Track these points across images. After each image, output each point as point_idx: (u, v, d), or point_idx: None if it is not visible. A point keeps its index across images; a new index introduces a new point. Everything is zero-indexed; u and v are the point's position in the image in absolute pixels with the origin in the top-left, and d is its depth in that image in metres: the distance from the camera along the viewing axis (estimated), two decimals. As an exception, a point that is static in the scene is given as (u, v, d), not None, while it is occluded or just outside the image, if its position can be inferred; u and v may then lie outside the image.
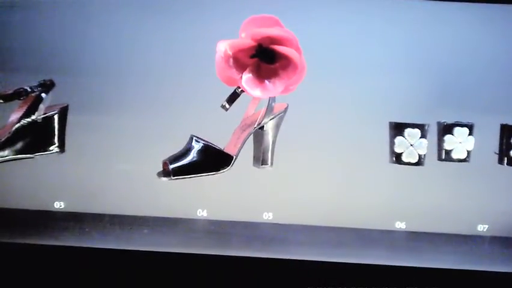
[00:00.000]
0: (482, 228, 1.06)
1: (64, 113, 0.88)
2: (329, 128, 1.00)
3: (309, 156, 1.01)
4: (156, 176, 0.80)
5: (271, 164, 0.86)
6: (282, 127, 0.87)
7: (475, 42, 0.99)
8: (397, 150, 0.87)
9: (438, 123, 0.91)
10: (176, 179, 0.77)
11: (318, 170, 1.02)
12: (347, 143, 1.00)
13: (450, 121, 0.91)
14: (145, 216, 1.03)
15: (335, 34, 0.99)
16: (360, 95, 0.99)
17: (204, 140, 0.79)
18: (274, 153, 0.87)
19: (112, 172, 1.03)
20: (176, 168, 0.77)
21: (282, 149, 0.88)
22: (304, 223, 1.04)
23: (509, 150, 0.90)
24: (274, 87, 0.77)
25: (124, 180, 1.02)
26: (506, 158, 0.91)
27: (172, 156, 0.79)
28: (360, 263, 0.89)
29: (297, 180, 1.02)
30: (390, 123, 0.88)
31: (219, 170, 0.78)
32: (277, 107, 0.85)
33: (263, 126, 0.83)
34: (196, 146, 0.78)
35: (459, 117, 0.92)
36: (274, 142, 0.86)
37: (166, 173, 0.78)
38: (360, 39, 0.99)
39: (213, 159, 0.79)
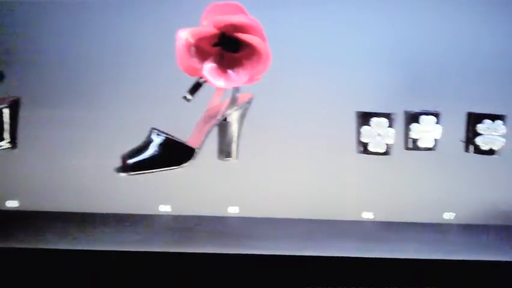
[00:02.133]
0: (449, 216, 1.05)
1: (15, 106, 0.83)
2: (296, 119, 0.98)
3: (275, 148, 0.99)
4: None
5: (237, 156, 0.83)
6: (247, 118, 0.84)
7: (441, 30, 0.98)
8: (364, 140, 0.86)
9: (406, 112, 0.90)
10: (136, 174, 0.72)
11: (284, 162, 1.00)
12: (313, 134, 0.98)
13: (417, 110, 0.89)
14: (105, 214, 0.99)
15: (301, 23, 0.96)
16: (328, 85, 0.97)
17: (164, 133, 0.75)
18: (240, 146, 0.84)
19: (69, 168, 0.98)
20: (135, 163, 0.73)
21: (247, 141, 0.85)
22: (272, 216, 1.02)
23: (475, 138, 0.89)
24: (238, 77, 0.74)
25: (81, 177, 0.98)
26: (472, 146, 0.90)
27: (131, 150, 0.74)
28: (330, 255, 0.87)
29: (264, 173, 1.00)
30: (357, 112, 0.86)
31: (181, 164, 0.74)
32: (242, 97, 0.82)
33: (227, 118, 0.80)
34: (157, 140, 0.74)
35: (426, 106, 0.91)
36: (239, 134, 0.83)
37: (124, 168, 0.73)
38: (327, 28, 0.97)
39: (175, 153, 0.74)
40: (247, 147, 0.86)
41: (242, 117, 0.83)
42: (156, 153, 0.74)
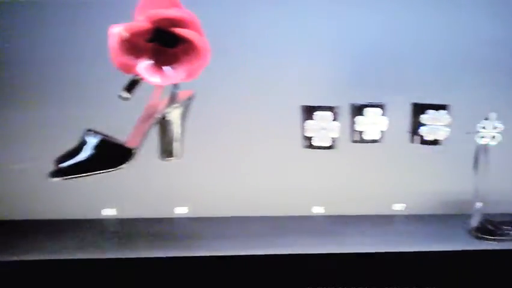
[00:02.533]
0: (399, 207, 1.06)
1: None
2: (240, 115, 0.96)
3: (220, 145, 0.96)
4: (51, 176, 0.71)
5: (179, 155, 0.80)
6: (190, 116, 0.81)
7: (384, 22, 0.98)
8: (309, 134, 0.84)
9: (351, 105, 0.89)
10: (70, 178, 0.69)
11: (231, 159, 0.98)
12: (259, 130, 0.96)
13: (362, 102, 0.88)
14: (43, 220, 0.94)
15: (242, 16, 0.94)
16: (272, 79, 0.95)
17: (100, 134, 0.71)
18: (184, 144, 0.81)
19: (2, 173, 0.92)
20: (69, 166, 0.69)
21: (191, 139, 0.82)
22: (220, 215, 1.00)
23: (420, 128, 0.89)
24: (175, 73, 0.71)
25: (15, 182, 0.93)
26: (417, 137, 0.90)
27: (64, 153, 0.70)
28: (281, 253, 0.85)
29: (210, 171, 0.98)
30: (302, 106, 0.85)
31: (119, 166, 0.71)
32: (182, 94, 0.79)
33: (166, 116, 0.77)
34: (92, 141, 0.71)
35: (372, 98, 0.90)
36: (181, 132, 0.80)
37: (57, 172, 0.69)
38: (270, 21, 0.95)
39: (112, 154, 0.71)
40: (191, 146, 0.84)
41: (183, 115, 0.80)
42: (92, 155, 0.71)
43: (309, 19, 0.95)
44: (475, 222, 0.97)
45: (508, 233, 0.95)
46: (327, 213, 1.03)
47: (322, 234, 0.95)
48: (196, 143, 0.84)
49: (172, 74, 0.71)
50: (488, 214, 1.00)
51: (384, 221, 1.03)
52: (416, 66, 0.99)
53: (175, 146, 0.80)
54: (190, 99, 0.81)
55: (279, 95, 0.95)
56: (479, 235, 0.95)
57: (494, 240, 0.94)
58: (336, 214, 1.04)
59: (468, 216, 0.97)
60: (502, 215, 1.04)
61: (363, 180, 1.03)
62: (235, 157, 0.97)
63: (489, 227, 0.97)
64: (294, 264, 0.86)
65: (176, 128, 0.80)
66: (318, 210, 1.03)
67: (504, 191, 1.07)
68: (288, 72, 0.95)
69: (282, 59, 0.95)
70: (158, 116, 0.76)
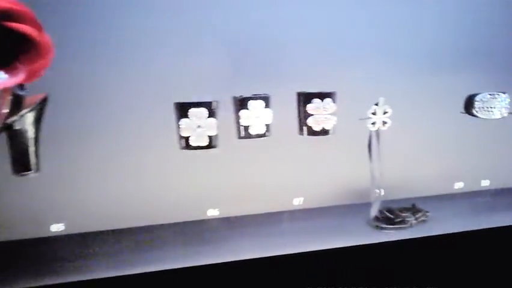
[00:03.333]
0: (298, 201, 1.01)
1: None
2: (107, 116, 0.86)
3: (86, 153, 0.87)
4: None
5: (36, 169, 0.70)
6: (45, 122, 0.71)
7: (267, 7, 0.92)
8: (184, 133, 0.76)
9: (234, 98, 0.82)
10: None
11: (102, 166, 0.88)
12: (132, 131, 0.88)
13: (245, 95, 0.82)
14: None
15: (107, 7, 0.84)
16: (141, 75, 0.87)
17: None
18: (42, 155, 0.71)
19: None
20: None
21: (50, 148, 0.72)
22: (104, 228, 0.90)
23: (307, 119, 0.83)
24: (13, 75, 0.61)
25: None
26: (305, 128, 0.84)
27: None
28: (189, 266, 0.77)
29: (77, 183, 0.88)
30: (175, 104, 0.77)
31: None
32: (31, 98, 0.68)
33: (12, 125, 0.67)
34: None
35: (258, 90, 0.84)
36: (36, 143, 0.70)
37: None
38: (141, 16, 0.86)
39: None
40: (53, 157, 0.74)
41: (36, 121, 0.70)
42: None
43: (183, 6, 0.87)
44: (374, 211, 0.94)
45: (408, 220, 0.92)
46: (223, 215, 0.96)
47: (217, 238, 0.88)
48: (57, 152, 0.75)
49: (9, 75, 0.61)
50: (389, 201, 0.98)
51: (280, 219, 0.97)
52: (303, 54, 0.93)
53: (31, 158, 0.70)
54: (42, 102, 0.70)
55: (151, 93, 0.86)
56: (378, 225, 0.91)
57: (393, 229, 0.90)
58: (232, 215, 0.97)
59: (368, 205, 0.93)
60: (403, 200, 1.02)
61: (256, 177, 0.97)
62: (107, 163, 0.88)
63: (388, 215, 0.94)
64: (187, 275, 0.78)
65: (29, 138, 0.69)
66: (212, 212, 0.96)
67: (402, 176, 1.04)
68: (159, 66, 0.87)
69: (151, 52, 0.86)
70: (1, 126, 0.65)
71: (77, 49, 0.81)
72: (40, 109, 0.71)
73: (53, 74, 0.64)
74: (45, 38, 0.62)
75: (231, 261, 0.78)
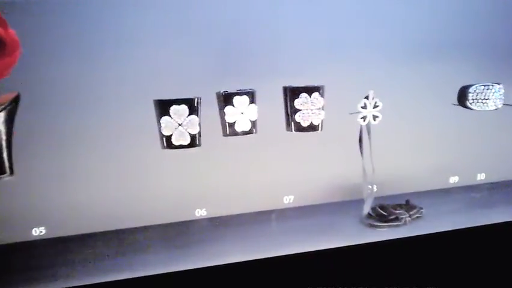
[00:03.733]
0: (287, 200, 0.97)
1: None
2: (87, 116, 0.83)
3: (71, 154, 0.83)
4: None
5: (10, 172, 0.67)
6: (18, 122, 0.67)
7: (250, 4, 0.88)
8: (165, 132, 0.73)
9: (218, 94, 0.78)
10: None
11: (83, 168, 0.85)
12: (113, 131, 0.84)
13: (229, 90, 0.78)
14: None
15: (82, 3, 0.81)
16: (120, 72, 0.83)
17: None
18: (16, 157, 0.67)
19: None
20: None
21: (30, 151, 0.69)
22: (87, 231, 0.87)
23: (295, 114, 0.80)
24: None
25: None
26: (293, 124, 0.81)
27: None
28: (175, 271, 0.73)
29: (61, 185, 0.84)
30: (155, 101, 0.73)
31: None
32: (1, 99, 0.65)
33: (-19, 126, 0.63)
34: None
35: (242, 85, 0.80)
36: (8, 144, 0.66)
37: None
38: (118, 6, 0.83)
39: None
40: (29, 158, 0.71)
41: (7, 122, 0.66)
42: None
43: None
44: (366, 208, 0.91)
45: (402, 218, 0.89)
46: (210, 215, 0.93)
47: (205, 238, 0.85)
48: (34, 153, 0.72)
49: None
50: (382, 197, 0.95)
51: (269, 218, 0.94)
52: (286, 47, 0.90)
53: (4, 160, 0.66)
54: (14, 102, 0.67)
55: (130, 90, 0.83)
56: (371, 223, 0.88)
57: (387, 227, 0.87)
58: (220, 215, 0.93)
59: (361, 202, 0.90)
60: (396, 196, 0.99)
61: (245, 176, 0.93)
62: (86, 166, 0.85)
63: (381, 212, 0.91)
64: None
65: (1, 139, 0.66)
66: (201, 212, 0.93)
67: (394, 171, 1.01)
68: (138, 62, 0.83)
69: (130, 47, 0.83)
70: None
71: (52, 46, 0.77)
72: (11, 109, 0.67)
73: (23, 73, 0.61)
74: (11, 34, 0.58)
75: (219, 265, 0.75)
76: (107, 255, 0.78)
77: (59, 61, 0.79)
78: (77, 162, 0.84)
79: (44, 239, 0.85)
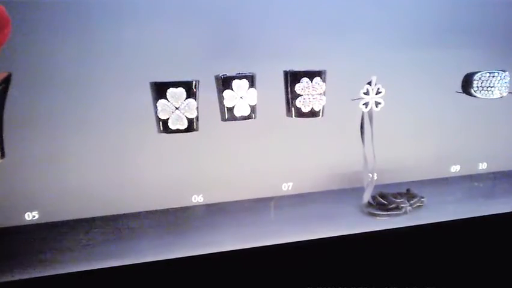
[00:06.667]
0: (286, 187, 0.96)
1: None
2: (81, 99, 0.80)
3: (65, 138, 0.81)
4: None
5: (2, 155, 0.64)
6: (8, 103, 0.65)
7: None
8: (162, 116, 0.71)
9: (216, 78, 0.76)
10: None
11: (78, 153, 0.83)
12: (109, 114, 0.82)
13: (228, 74, 0.76)
14: None
15: None
16: (118, 53, 0.81)
17: None
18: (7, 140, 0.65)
19: None
20: None
21: (16, 134, 0.67)
22: (75, 217, 0.85)
23: (295, 99, 0.78)
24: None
25: None
26: (293, 109, 0.79)
27: None
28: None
29: (55, 169, 0.82)
30: (151, 84, 0.71)
31: None
32: (-8, 78, 0.63)
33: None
34: None
35: (242, 68, 0.78)
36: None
37: None
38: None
39: None
40: (20, 142, 0.69)
41: (-2, 104, 0.64)
42: None
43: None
44: (366, 196, 0.89)
45: (403, 207, 0.87)
46: (207, 202, 0.91)
47: (201, 224, 0.83)
48: (27, 137, 0.70)
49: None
50: (382, 185, 0.93)
51: (267, 205, 0.92)
52: (288, 30, 0.88)
53: (-4, 143, 0.64)
54: (5, 82, 0.64)
55: (126, 73, 0.80)
56: (371, 212, 0.87)
57: (387, 215, 0.86)
58: (219, 201, 0.92)
59: (361, 190, 0.89)
60: (397, 184, 0.97)
61: (241, 163, 0.91)
62: (80, 150, 0.83)
63: (382, 200, 0.89)
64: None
65: (-9, 121, 0.64)
66: (197, 199, 0.91)
67: (396, 159, 0.99)
68: (134, 43, 0.81)
69: (125, 29, 0.80)
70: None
71: (45, 26, 0.75)
72: (2, 89, 0.65)
73: (16, 52, 0.58)
74: (0, 11, 0.55)
75: (215, 253, 0.73)
76: (102, 241, 0.76)
77: (51, 44, 0.76)
78: (71, 147, 0.82)
79: (37, 224, 0.83)
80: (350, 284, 0.78)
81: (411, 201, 0.89)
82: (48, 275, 0.68)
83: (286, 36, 0.88)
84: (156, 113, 0.71)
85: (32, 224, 0.83)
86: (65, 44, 0.78)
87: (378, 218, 0.86)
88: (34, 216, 0.83)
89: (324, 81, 0.79)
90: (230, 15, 0.85)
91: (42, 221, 0.84)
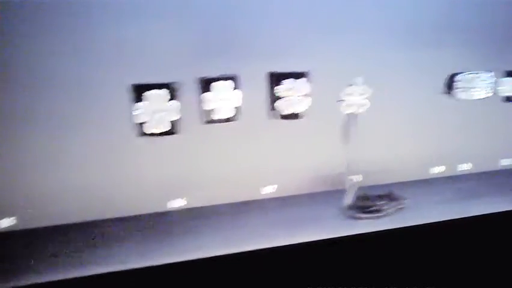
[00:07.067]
0: (269, 190, 0.95)
1: None
2: (56, 100, 0.78)
3: (40, 141, 0.79)
4: None
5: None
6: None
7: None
8: (140, 119, 0.69)
9: (198, 79, 0.75)
10: None
11: (55, 156, 0.81)
12: (86, 116, 0.79)
13: (210, 75, 0.74)
14: None
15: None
16: (95, 53, 0.78)
17: None
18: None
19: None
20: None
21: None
22: (55, 223, 0.83)
23: (279, 101, 0.77)
24: None
25: None
26: (275, 111, 0.78)
27: None
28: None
29: (30, 174, 0.80)
30: (132, 86, 0.69)
31: None
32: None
33: None
34: None
35: (225, 70, 0.77)
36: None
37: None
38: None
39: None
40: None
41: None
42: None
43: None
44: (348, 199, 0.88)
45: (385, 209, 0.87)
46: (190, 206, 0.89)
47: (181, 230, 0.81)
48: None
49: None
50: (365, 187, 0.92)
51: (249, 209, 0.91)
52: (273, 30, 0.86)
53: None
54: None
55: (103, 73, 0.78)
56: (353, 214, 0.86)
57: (369, 218, 0.85)
58: (201, 205, 0.90)
59: (343, 192, 0.88)
60: (380, 186, 0.96)
61: (223, 165, 0.90)
62: (57, 154, 0.80)
63: (364, 203, 0.88)
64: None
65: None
66: (180, 203, 0.89)
67: (378, 161, 0.99)
68: (112, 42, 0.78)
69: (102, 26, 0.78)
70: None
71: (29, 27, 0.72)
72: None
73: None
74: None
75: (196, 259, 0.72)
76: (82, 248, 0.75)
77: (33, 43, 0.74)
78: (49, 150, 0.79)
79: (15, 230, 0.81)
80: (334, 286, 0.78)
81: (393, 203, 0.89)
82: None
83: (271, 36, 0.86)
84: (135, 115, 0.69)
85: (10, 231, 0.81)
86: (65, 44, 0.76)
87: (359, 220, 0.85)
88: (12, 222, 0.81)
89: (308, 82, 0.78)
90: (213, 15, 0.83)
91: (21, 228, 0.81)
